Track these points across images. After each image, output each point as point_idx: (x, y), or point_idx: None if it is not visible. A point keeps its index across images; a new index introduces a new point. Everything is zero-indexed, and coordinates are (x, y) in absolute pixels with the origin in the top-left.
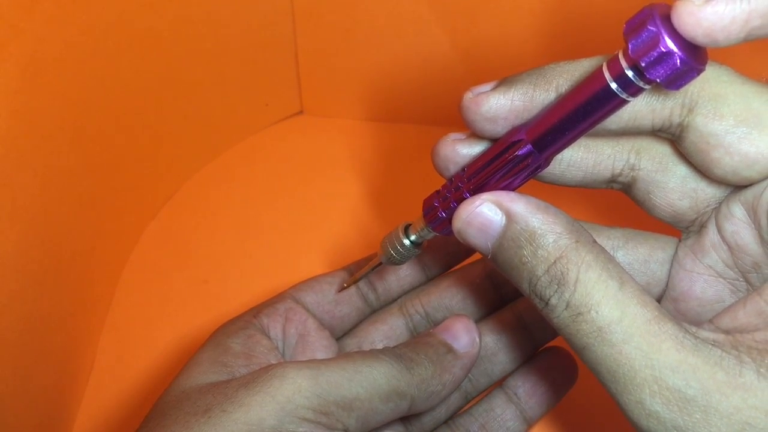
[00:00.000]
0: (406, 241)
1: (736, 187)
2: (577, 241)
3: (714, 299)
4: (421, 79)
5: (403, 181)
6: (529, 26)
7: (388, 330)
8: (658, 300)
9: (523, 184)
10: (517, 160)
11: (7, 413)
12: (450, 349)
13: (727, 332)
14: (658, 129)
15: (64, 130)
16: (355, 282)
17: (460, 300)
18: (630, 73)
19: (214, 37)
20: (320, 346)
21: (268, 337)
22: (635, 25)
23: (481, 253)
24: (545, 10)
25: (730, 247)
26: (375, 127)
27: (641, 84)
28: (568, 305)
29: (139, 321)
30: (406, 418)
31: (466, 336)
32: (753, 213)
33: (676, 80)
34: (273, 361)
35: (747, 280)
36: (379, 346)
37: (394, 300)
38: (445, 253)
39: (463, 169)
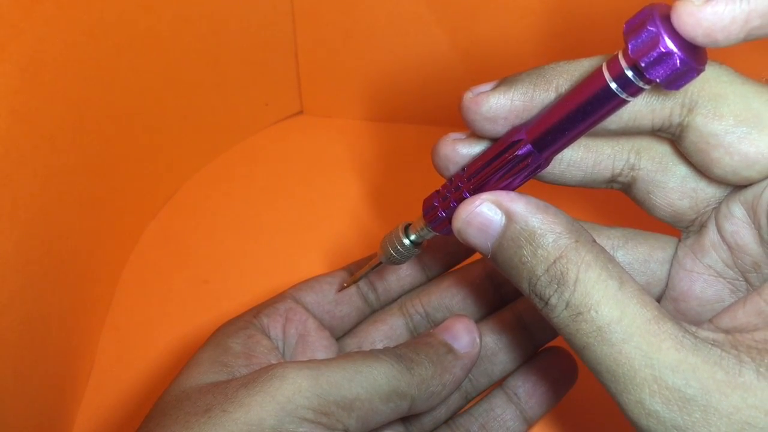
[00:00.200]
0: (406, 241)
1: (736, 186)
2: (576, 241)
3: (714, 299)
4: (421, 79)
5: (403, 181)
6: (529, 26)
7: (388, 330)
8: (658, 300)
9: (523, 183)
10: (517, 159)
11: (7, 413)
12: (450, 350)
13: (726, 332)
14: (657, 129)
15: (64, 130)
16: (355, 282)
17: (460, 300)
18: (630, 73)
19: (214, 37)
20: (320, 346)
21: (269, 337)
22: (635, 26)
23: (480, 252)
24: (545, 10)
25: (729, 247)
26: (375, 127)
27: (641, 84)
28: (567, 305)
29: (139, 321)
30: (406, 418)
31: (467, 336)
32: (753, 213)
33: (675, 80)
34: (273, 361)
35: (747, 280)
36: (379, 346)
37: (394, 300)
38: (445, 253)
39: (463, 169)
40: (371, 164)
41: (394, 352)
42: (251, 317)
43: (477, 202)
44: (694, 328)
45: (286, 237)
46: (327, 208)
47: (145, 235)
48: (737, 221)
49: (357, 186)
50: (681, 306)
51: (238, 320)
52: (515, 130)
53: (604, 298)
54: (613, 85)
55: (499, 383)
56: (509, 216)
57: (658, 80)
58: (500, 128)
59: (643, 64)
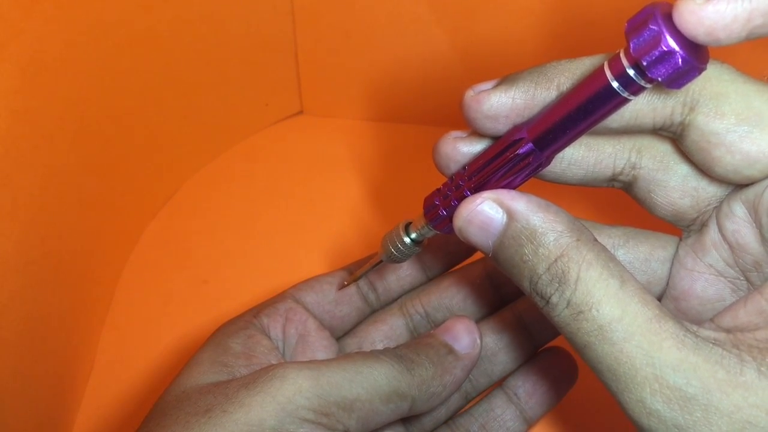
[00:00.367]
0: (407, 239)
1: (738, 185)
2: (578, 240)
3: (715, 298)
4: (421, 79)
5: (403, 181)
6: (528, 26)
7: (388, 330)
8: (659, 299)
9: (524, 182)
10: (518, 158)
11: (7, 413)
12: (451, 350)
13: (728, 331)
14: (659, 127)
15: (64, 130)
16: (356, 280)
17: (460, 300)
18: (631, 72)
19: (214, 37)
20: (320, 346)
21: (269, 338)
22: (637, 24)
23: (481, 251)
24: (545, 10)
25: (731, 246)
26: (375, 127)
27: (642, 83)
28: (569, 304)
29: (139, 321)
30: (406, 419)
31: (467, 337)
32: (754, 212)
33: (677, 79)
34: (273, 362)
35: (748, 279)
36: (380, 347)
37: (395, 300)
38: (445, 253)
39: (464, 168)
40: (371, 164)
41: (394, 353)
42: (251, 317)
43: (478, 201)
44: (695, 327)
45: (286, 237)
46: (327, 208)
47: (145, 235)
48: (738, 220)
49: (357, 186)
50: (682, 305)
51: (238, 320)
52: (516, 128)
53: (606, 297)
54: (615, 84)
55: (499, 383)
56: (510, 214)
57: (659, 79)
58: (501, 127)
59: (644, 63)
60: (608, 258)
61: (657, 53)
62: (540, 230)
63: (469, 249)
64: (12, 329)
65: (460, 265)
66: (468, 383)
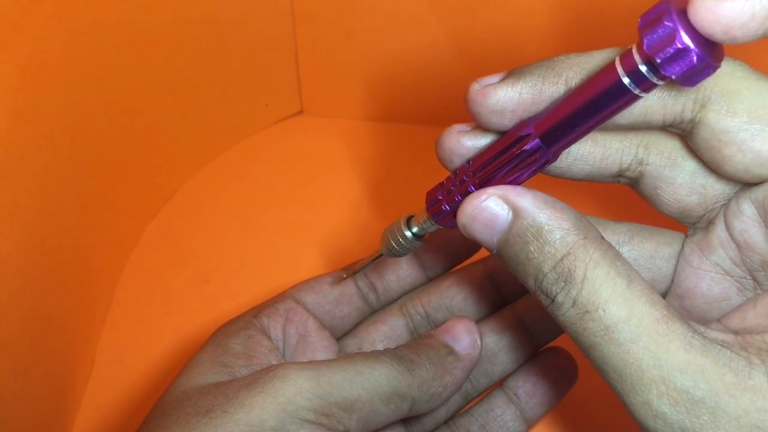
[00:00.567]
0: (408, 233)
1: (747, 184)
2: (584, 238)
3: (720, 297)
4: (421, 79)
5: (403, 181)
6: (529, 26)
7: (388, 330)
8: (664, 296)
9: (529, 178)
10: (524, 155)
11: (7, 413)
12: (451, 351)
13: (736, 333)
14: (668, 124)
15: (64, 130)
16: (355, 273)
17: (460, 300)
18: (644, 69)
19: (214, 37)
20: (321, 346)
21: (269, 338)
22: (651, 20)
23: (486, 248)
24: (546, 10)
25: (738, 245)
26: (375, 127)
27: (655, 80)
28: (574, 303)
29: (139, 321)
30: (406, 419)
31: (468, 338)
32: (763, 211)
33: (691, 77)
34: (274, 362)
35: (755, 279)
36: (380, 347)
37: (395, 300)
38: (445, 253)
39: (467, 162)
40: (371, 164)
41: (394, 354)
42: (251, 317)
43: (483, 197)
44: (702, 329)
45: (286, 237)
46: (327, 208)
47: (145, 235)
48: (747, 219)
49: (357, 186)
50: (686, 303)
51: (239, 320)
52: (523, 123)
53: (612, 297)
54: (626, 80)
55: (499, 383)
56: (516, 211)
57: (673, 77)
58: (507, 122)
59: (658, 60)
60: (615, 256)
61: (671, 51)
62: (546, 228)
63: (470, 249)
64: (12, 329)
65: (460, 266)
66: (468, 383)
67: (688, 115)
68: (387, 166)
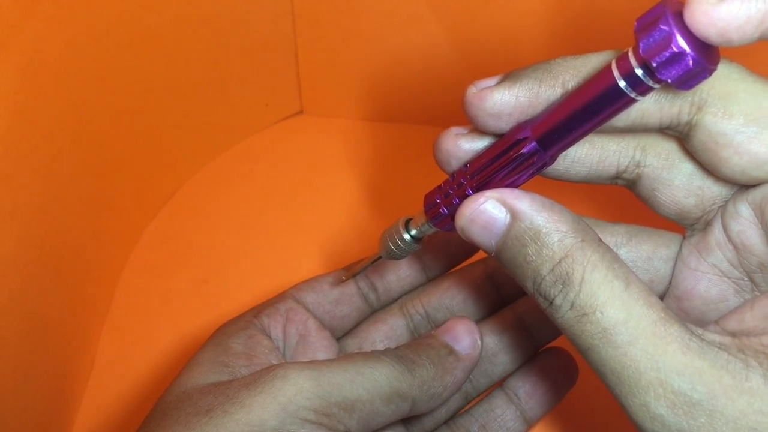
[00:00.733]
0: (407, 236)
1: (743, 186)
2: (582, 240)
3: (718, 298)
4: (421, 79)
5: (402, 181)
6: (529, 26)
7: (388, 330)
8: (661, 298)
9: (527, 181)
10: (522, 158)
11: (7, 413)
12: (451, 351)
13: (733, 335)
14: (665, 127)
15: (64, 130)
16: (354, 275)
17: (460, 300)
18: (640, 72)
19: (214, 37)
20: (321, 346)
21: (269, 338)
22: (647, 23)
23: (484, 250)
24: (546, 10)
25: (735, 247)
26: (375, 127)
27: (651, 83)
28: (572, 306)
29: (139, 321)
30: (406, 419)
31: (468, 338)
32: (760, 213)
33: (687, 80)
34: (274, 362)
35: (752, 281)
36: (380, 347)
37: (395, 300)
38: (445, 253)
39: (465, 165)
40: (371, 164)
41: (395, 354)
42: (252, 317)
43: (481, 200)
44: (700, 331)
45: (286, 237)
46: (327, 208)
47: (145, 235)
48: (744, 221)
49: (357, 186)
50: (684, 304)
51: (239, 320)
52: (520, 126)
53: (610, 299)
54: (622, 84)
55: (499, 384)
56: (514, 214)
57: (669, 80)
58: (504, 125)
59: (654, 64)
60: (613, 259)
61: (667, 54)
62: (544, 230)
63: (470, 250)
64: (12, 329)
65: (460, 266)
66: (468, 383)
67: (684, 118)
68: (387, 166)
